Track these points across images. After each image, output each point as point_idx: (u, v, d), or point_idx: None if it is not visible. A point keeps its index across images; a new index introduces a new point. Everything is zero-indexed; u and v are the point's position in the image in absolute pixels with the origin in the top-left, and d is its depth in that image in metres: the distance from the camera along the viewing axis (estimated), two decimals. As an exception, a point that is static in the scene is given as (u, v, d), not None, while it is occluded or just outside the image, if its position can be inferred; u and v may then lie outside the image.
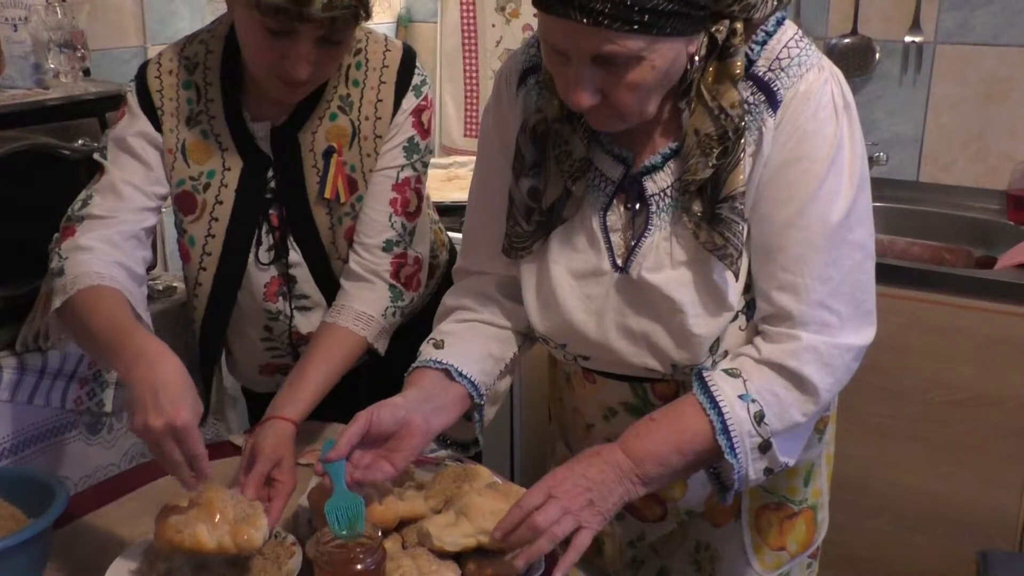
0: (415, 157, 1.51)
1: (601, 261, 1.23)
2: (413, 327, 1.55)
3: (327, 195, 1.48)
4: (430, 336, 1.34)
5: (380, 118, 1.48)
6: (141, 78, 1.49)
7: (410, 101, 1.50)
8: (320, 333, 1.48)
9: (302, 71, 1.34)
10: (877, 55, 2.56)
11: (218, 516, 1.13)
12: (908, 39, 2.52)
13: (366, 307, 1.48)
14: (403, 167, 1.50)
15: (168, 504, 1.17)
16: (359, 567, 1.07)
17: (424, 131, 1.52)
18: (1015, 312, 2.02)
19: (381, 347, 1.51)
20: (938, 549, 2.19)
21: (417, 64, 1.52)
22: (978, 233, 2.43)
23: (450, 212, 2.53)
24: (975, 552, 1.92)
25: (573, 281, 1.24)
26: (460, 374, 1.27)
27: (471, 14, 2.99)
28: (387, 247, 1.51)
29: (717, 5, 1.07)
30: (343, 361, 1.45)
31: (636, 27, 1.01)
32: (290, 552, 1.21)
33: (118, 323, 1.25)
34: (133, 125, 1.48)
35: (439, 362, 1.27)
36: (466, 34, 3.02)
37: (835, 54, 2.58)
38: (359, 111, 1.48)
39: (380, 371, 1.59)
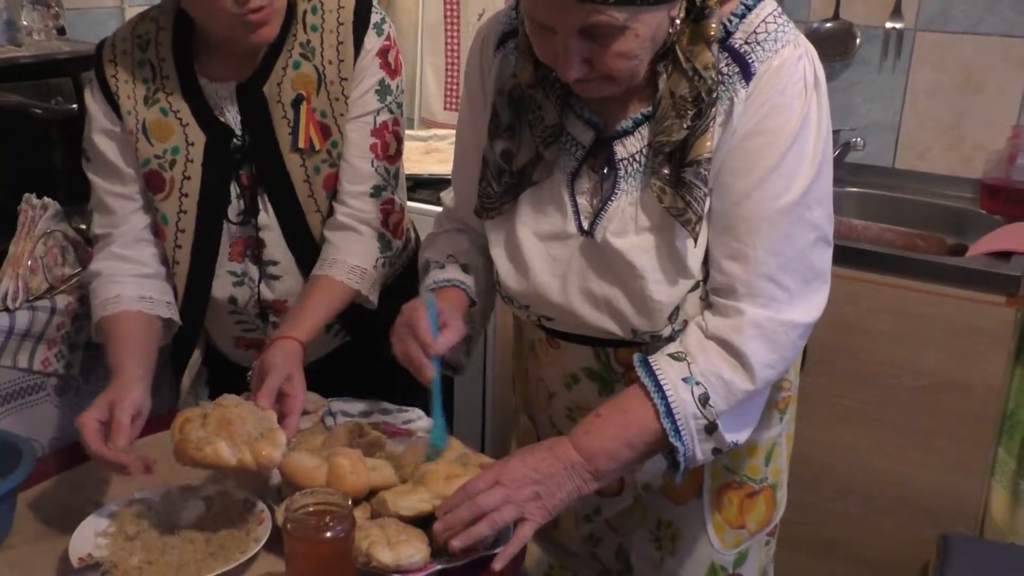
0: (388, 99, 1.51)
1: (567, 224, 1.24)
2: (385, 303, 1.54)
3: (301, 144, 1.47)
4: (449, 251, 1.38)
5: (343, 60, 1.47)
6: (98, 64, 1.49)
7: (373, 41, 1.49)
8: (315, 282, 1.48)
9: None
10: (858, 40, 2.56)
11: (238, 433, 1.17)
12: (889, 25, 2.52)
13: (360, 260, 1.50)
14: (379, 111, 1.50)
15: (182, 415, 1.21)
16: (328, 535, 1.07)
17: (392, 71, 1.51)
18: (984, 300, 2.04)
19: (374, 298, 1.52)
20: (900, 531, 2.22)
21: (374, 3, 1.51)
22: (951, 221, 2.44)
23: (429, 185, 2.52)
24: (936, 535, 1.96)
25: (539, 243, 1.26)
26: (474, 311, 1.35)
27: (454, -15, 2.96)
28: (375, 193, 1.51)
29: None
30: (339, 305, 1.48)
31: None
32: (259, 519, 1.22)
33: (114, 360, 1.37)
34: (93, 124, 1.49)
35: (468, 287, 1.34)
36: (448, 6, 2.99)
37: (816, 38, 2.58)
38: (322, 56, 1.47)
39: (360, 353, 1.60)
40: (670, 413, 1.15)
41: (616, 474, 1.21)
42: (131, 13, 1.89)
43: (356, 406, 1.54)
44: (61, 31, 1.84)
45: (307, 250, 1.54)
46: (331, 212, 1.53)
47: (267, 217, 1.52)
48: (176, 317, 1.54)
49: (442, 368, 1.34)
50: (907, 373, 2.14)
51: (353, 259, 1.49)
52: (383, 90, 1.50)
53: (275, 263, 1.55)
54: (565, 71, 1.10)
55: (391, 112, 1.52)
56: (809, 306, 1.19)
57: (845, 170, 2.60)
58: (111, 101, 1.48)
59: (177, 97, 1.47)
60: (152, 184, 1.50)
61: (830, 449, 2.22)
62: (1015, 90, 2.42)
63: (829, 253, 1.21)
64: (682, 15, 1.11)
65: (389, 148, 1.52)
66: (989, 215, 2.38)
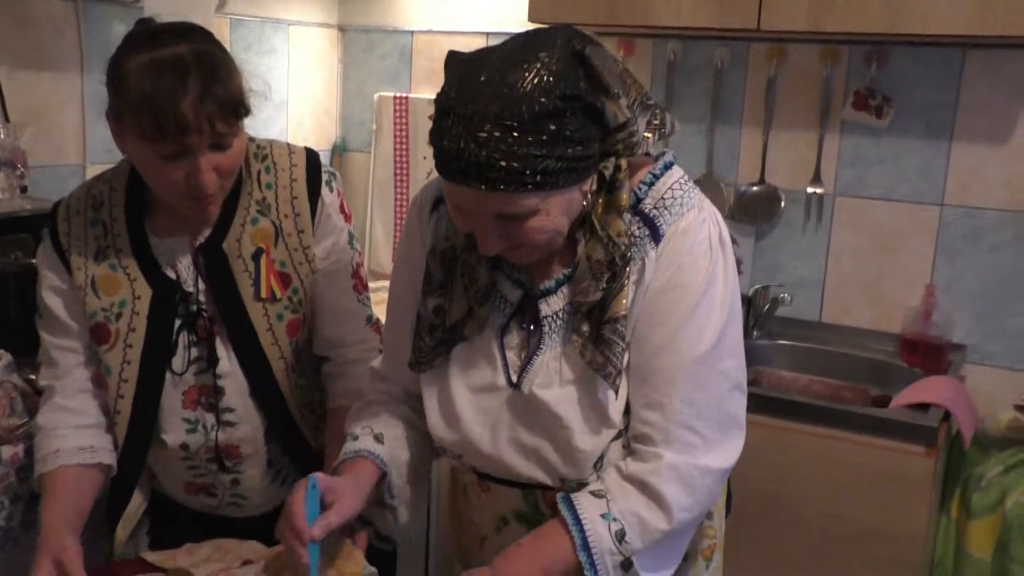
0: (355, 244, 1.67)
1: (496, 377, 1.30)
2: None
3: (263, 295, 1.55)
4: (366, 423, 1.40)
5: (299, 214, 1.58)
6: (52, 223, 1.58)
7: (329, 196, 1.62)
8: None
9: (208, 182, 1.42)
10: (783, 203, 2.73)
11: None
12: (810, 190, 2.70)
13: None
14: (352, 258, 1.65)
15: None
16: None
17: (348, 218, 1.67)
18: (906, 450, 2.13)
19: None
20: None
21: (322, 161, 1.66)
22: (875, 373, 2.55)
23: (375, 335, 2.58)
24: None
25: (471, 395, 1.32)
26: (389, 480, 1.35)
27: (403, 146, 3.12)
28: (368, 321, 1.66)
29: (603, 146, 1.19)
30: None
31: (530, 187, 1.12)
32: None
33: (44, 516, 1.46)
34: (43, 282, 1.57)
35: (378, 456, 1.35)
36: (398, 165, 3.14)
37: (744, 200, 2.76)
38: (277, 210, 1.58)
39: None
40: (586, 546, 1.19)
41: None
42: (92, 171, 1.97)
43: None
44: (23, 189, 1.92)
45: (269, 396, 1.59)
46: (293, 357, 1.60)
47: (229, 365, 1.57)
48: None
49: (377, 541, 1.37)
50: (836, 521, 2.19)
51: None
52: (350, 238, 1.65)
53: (232, 410, 1.59)
54: (484, 248, 1.21)
55: (360, 253, 1.68)
56: (724, 452, 1.25)
57: (775, 323, 2.72)
58: (62, 258, 1.54)
59: (126, 254, 1.55)
60: (97, 336, 1.55)
61: (765, 597, 2.25)
62: (927, 252, 2.59)
63: (743, 401, 1.29)
64: (594, 187, 1.21)
65: (364, 279, 1.68)
66: (909, 368, 2.49)
